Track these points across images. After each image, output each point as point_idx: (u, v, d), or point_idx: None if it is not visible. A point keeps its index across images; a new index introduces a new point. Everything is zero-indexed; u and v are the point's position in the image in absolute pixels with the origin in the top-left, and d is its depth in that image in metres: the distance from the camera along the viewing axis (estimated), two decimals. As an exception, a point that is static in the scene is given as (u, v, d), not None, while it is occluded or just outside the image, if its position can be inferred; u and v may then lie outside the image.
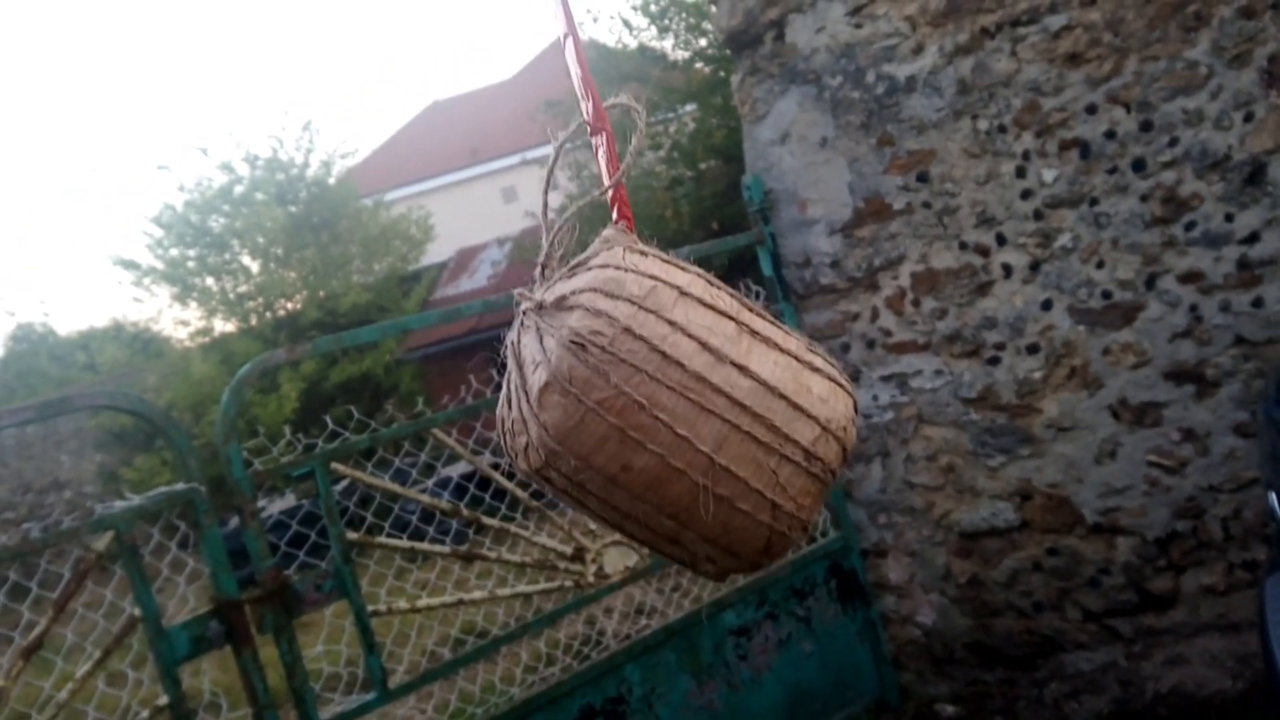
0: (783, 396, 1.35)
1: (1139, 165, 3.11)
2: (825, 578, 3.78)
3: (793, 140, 3.75)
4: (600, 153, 1.53)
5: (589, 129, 1.54)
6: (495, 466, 3.18)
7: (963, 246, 3.45)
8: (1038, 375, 3.39)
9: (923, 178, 3.48)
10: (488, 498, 3.29)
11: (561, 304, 1.37)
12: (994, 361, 3.46)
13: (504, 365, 1.41)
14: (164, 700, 2.40)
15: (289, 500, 9.16)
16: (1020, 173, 3.30)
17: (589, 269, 1.40)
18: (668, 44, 10.50)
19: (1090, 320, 3.27)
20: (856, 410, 1.43)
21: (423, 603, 2.99)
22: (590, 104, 1.52)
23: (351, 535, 2.79)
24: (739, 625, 3.51)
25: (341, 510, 2.79)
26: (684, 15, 10.23)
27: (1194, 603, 3.29)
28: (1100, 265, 3.22)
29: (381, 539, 2.94)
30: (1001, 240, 3.37)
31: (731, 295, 1.43)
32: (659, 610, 4.09)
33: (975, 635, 3.73)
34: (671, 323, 1.35)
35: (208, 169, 19.39)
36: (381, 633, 3.04)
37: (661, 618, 3.65)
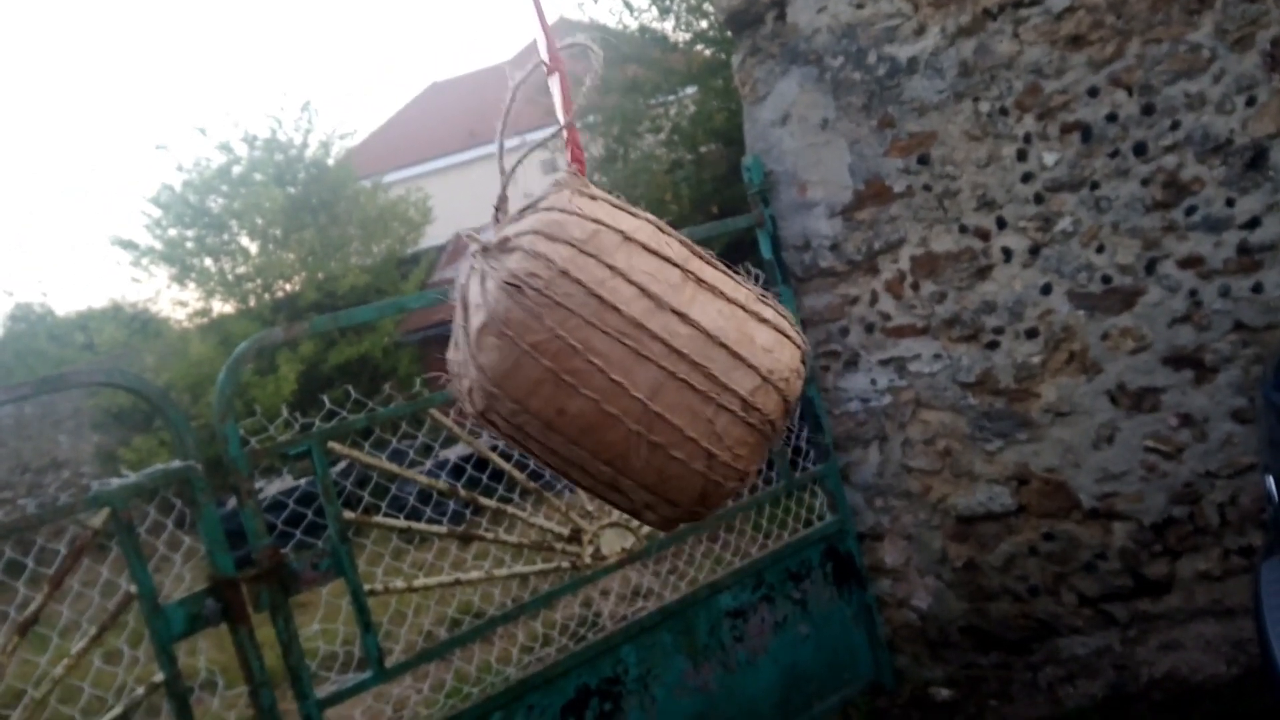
0: (723, 345, 1.33)
1: (1140, 149, 3.09)
2: (821, 561, 3.79)
3: (793, 121, 3.73)
4: (555, 93, 1.52)
5: (545, 69, 1.53)
6: (493, 448, 3.18)
7: (963, 230, 3.44)
8: (1036, 360, 3.38)
9: (923, 160, 3.47)
10: (485, 478, 3.29)
11: (504, 246, 1.36)
12: (993, 346, 3.46)
13: None
14: (160, 677, 2.40)
15: (287, 481, 9.16)
16: (1021, 156, 3.29)
17: (536, 211, 1.39)
18: (669, 25, 10.44)
19: (1090, 305, 3.26)
20: (805, 362, 1.40)
21: (419, 582, 2.99)
22: (545, 44, 1.51)
23: (349, 514, 2.79)
24: (735, 607, 3.51)
25: (339, 490, 2.78)
26: (685, -4, 10.16)
27: (1189, 588, 3.29)
28: (1100, 249, 3.21)
29: (378, 518, 2.94)
30: (1002, 224, 3.36)
31: (682, 242, 1.42)
32: (655, 592, 4.10)
33: (971, 619, 3.74)
34: (611, 267, 1.34)
35: (206, 149, 19.31)
36: (378, 612, 3.04)
37: (658, 600, 3.65)
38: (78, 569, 2.35)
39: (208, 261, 14.45)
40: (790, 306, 3.76)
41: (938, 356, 3.58)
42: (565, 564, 3.19)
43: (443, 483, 3.04)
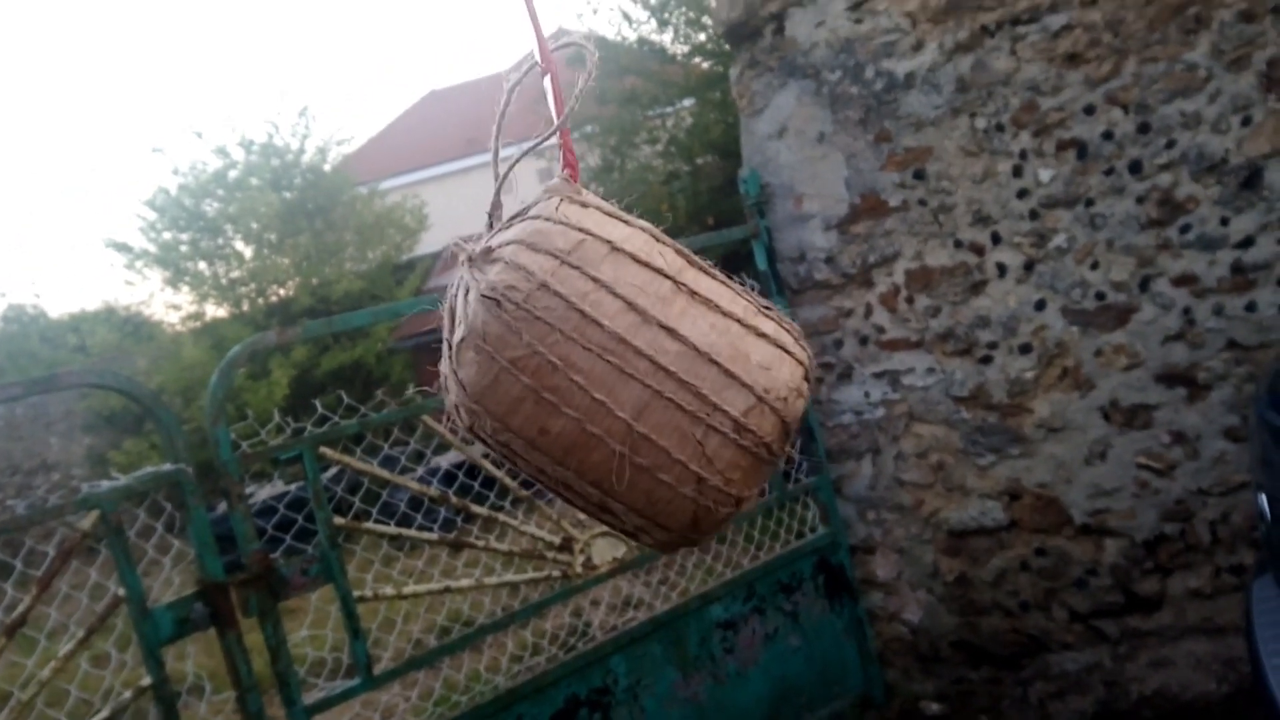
0: (714, 362, 1.26)
1: (1136, 167, 3.11)
2: (813, 573, 3.78)
3: (790, 135, 3.74)
4: (548, 94, 1.48)
5: (540, 69, 1.48)
6: (485, 455, 3.17)
7: (958, 245, 3.45)
8: (1029, 375, 3.39)
9: (919, 175, 3.48)
10: (477, 486, 3.28)
11: (488, 256, 1.32)
12: (986, 360, 3.47)
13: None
14: (147, 681, 2.39)
15: (277, 486, 9.13)
16: (1017, 172, 3.30)
17: (523, 220, 1.35)
18: (667, 38, 10.48)
19: (1083, 321, 3.27)
20: (810, 380, 1.33)
21: (409, 589, 2.98)
22: (538, 43, 1.46)
23: (339, 520, 2.78)
24: (726, 618, 3.51)
25: (329, 496, 2.77)
26: (684, 9, 10.20)
27: (1180, 605, 3.29)
28: (1095, 266, 3.22)
29: (369, 524, 2.93)
30: (996, 239, 3.37)
31: (678, 251, 1.35)
32: (646, 603, 4.09)
33: (961, 633, 3.74)
34: (596, 280, 1.28)
35: (202, 153, 19.33)
36: (368, 619, 3.03)
37: (649, 610, 3.65)
38: (66, 571, 2.33)
39: (201, 265, 14.43)
40: (785, 318, 3.76)
41: (931, 370, 3.59)
42: (556, 573, 3.18)
43: (434, 489, 3.03)
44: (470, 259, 1.33)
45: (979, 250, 3.41)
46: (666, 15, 10.24)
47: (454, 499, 3.05)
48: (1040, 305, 3.33)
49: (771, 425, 1.29)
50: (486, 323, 1.29)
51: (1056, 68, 3.17)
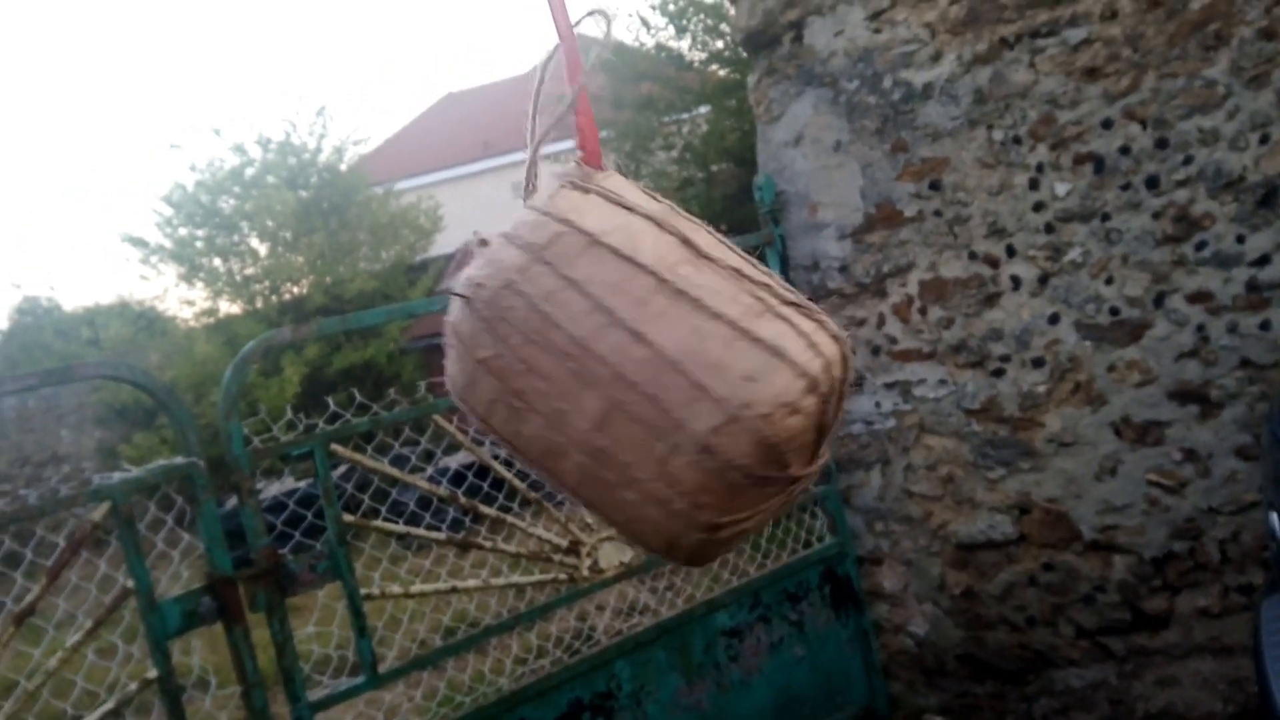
0: (683, 372, 1.12)
1: (1152, 182, 3.10)
2: (819, 583, 3.77)
3: (806, 143, 3.74)
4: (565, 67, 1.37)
5: (560, 34, 1.38)
6: (495, 456, 3.18)
7: (972, 256, 3.44)
8: (1042, 389, 3.38)
9: (935, 186, 3.47)
10: (486, 486, 3.29)
11: (482, 247, 1.25)
12: (998, 373, 3.46)
13: None
14: (153, 674, 2.40)
15: (286, 483, 9.16)
16: (1033, 185, 3.29)
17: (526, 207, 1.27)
18: (685, 44, 10.50)
19: (1097, 336, 3.26)
20: (819, 392, 1.15)
21: (416, 588, 2.98)
22: (555, 12, 1.36)
23: (348, 518, 2.79)
24: (731, 626, 3.50)
25: (339, 493, 2.78)
26: (702, 16, 10.22)
27: (1188, 624, 3.28)
28: (1109, 281, 3.21)
29: (378, 522, 2.94)
30: (1011, 252, 3.37)
31: (684, 241, 1.21)
32: (652, 609, 4.09)
33: (967, 647, 3.72)
34: (566, 278, 1.17)
35: (220, 150, 19.40)
36: (374, 618, 3.04)
37: (654, 616, 3.64)
38: (76, 562, 2.35)
39: (216, 261, 14.48)
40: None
41: (943, 382, 3.58)
42: (563, 576, 3.19)
43: (443, 489, 3.03)
44: (473, 249, 1.27)
45: (993, 263, 3.41)
46: (685, 22, 10.26)
47: (463, 499, 3.05)
48: (1054, 319, 3.32)
49: (745, 447, 1.11)
50: (460, 320, 1.24)
51: (1075, 81, 3.17)
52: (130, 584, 2.39)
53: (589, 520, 3.23)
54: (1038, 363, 3.37)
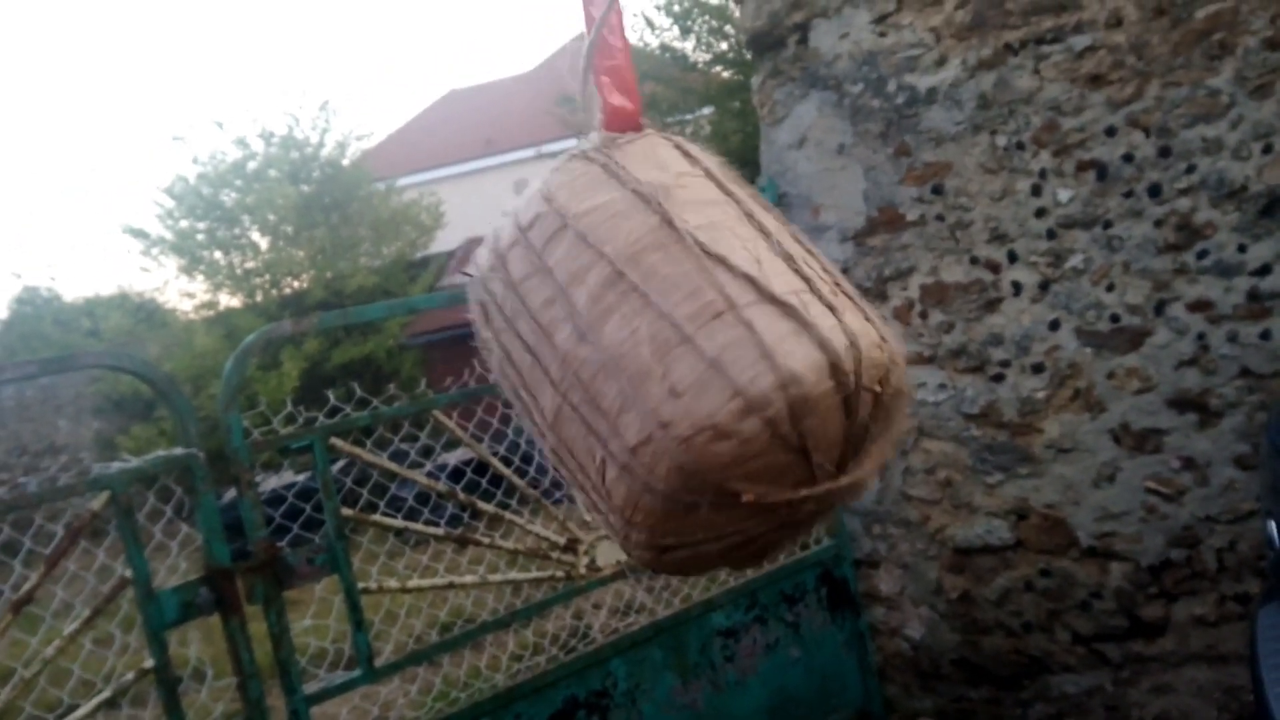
0: (615, 378, 1.02)
1: (1155, 190, 3.10)
2: (816, 585, 3.78)
3: (810, 145, 3.74)
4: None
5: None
6: (494, 453, 3.18)
7: (974, 261, 3.45)
8: (1041, 395, 3.38)
9: (938, 190, 3.48)
10: (484, 483, 3.29)
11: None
12: (998, 378, 3.46)
13: None
14: (150, 664, 2.40)
15: (284, 477, 9.16)
16: (1036, 191, 3.29)
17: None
18: (689, 45, 10.51)
19: (1097, 343, 3.26)
20: (759, 413, 0.98)
21: (413, 583, 2.99)
22: None
23: (347, 512, 2.79)
24: (727, 626, 3.50)
25: (338, 487, 2.78)
26: (707, 18, 10.23)
27: (1184, 632, 3.28)
28: (1110, 288, 3.21)
29: (376, 517, 2.94)
30: (1013, 257, 3.37)
31: (666, 221, 1.08)
32: (648, 608, 4.09)
33: (963, 652, 3.73)
34: (538, 262, 1.11)
35: (222, 143, 19.40)
36: (370, 612, 3.04)
37: (650, 615, 3.65)
38: (74, 551, 2.35)
39: (217, 254, 14.50)
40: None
41: (942, 386, 3.58)
42: (560, 573, 3.19)
43: (442, 485, 3.04)
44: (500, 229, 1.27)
45: (995, 268, 3.41)
46: (689, 23, 10.27)
47: (461, 495, 3.06)
48: (1054, 325, 3.33)
49: (661, 469, 0.99)
50: (473, 300, 1.24)
51: (1079, 88, 3.17)
52: (128, 574, 2.39)
53: (587, 518, 3.23)
54: (1037, 368, 3.38)
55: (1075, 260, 3.26)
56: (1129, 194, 3.14)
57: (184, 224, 14.58)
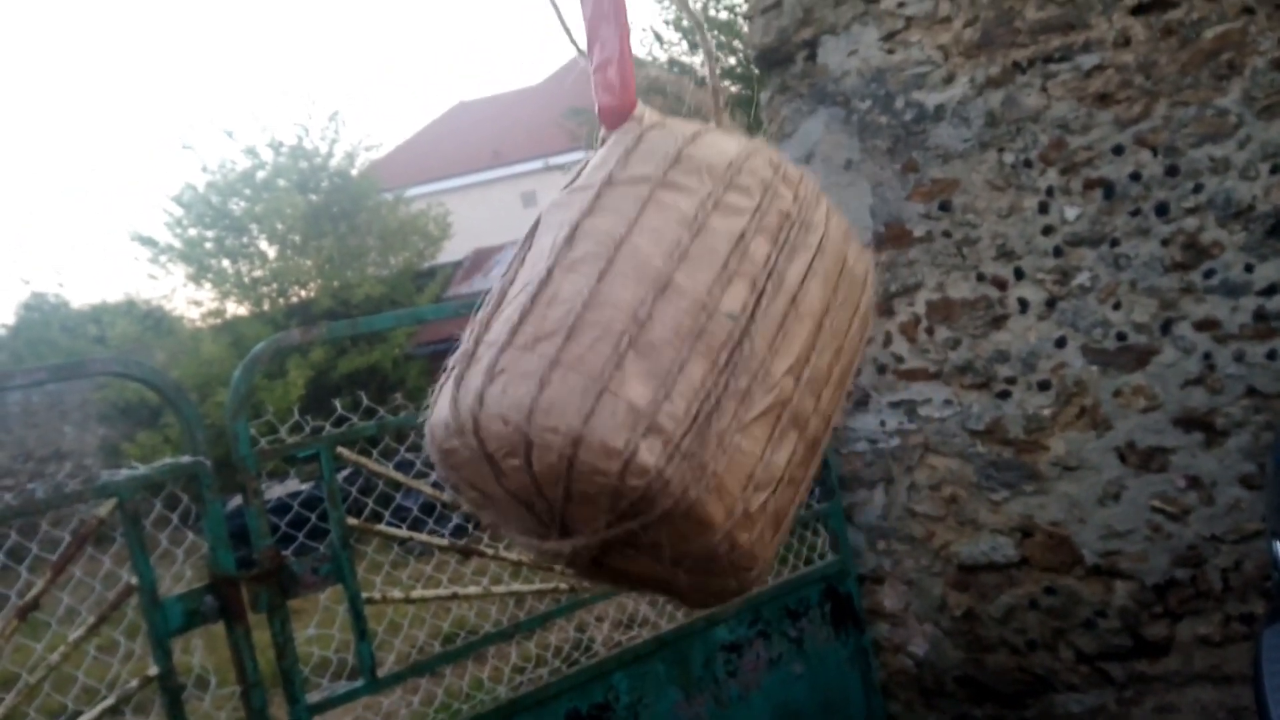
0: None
1: (1162, 209, 3.11)
2: (820, 600, 3.77)
3: (817, 161, 3.76)
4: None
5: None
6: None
7: (980, 278, 3.45)
8: (1047, 412, 3.38)
9: (945, 207, 3.49)
10: (489, 494, 3.28)
11: None
12: (1004, 395, 3.46)
13: None
14: (154, 671, 2.40)
15: (289, 486, 9.16)
16: (1043, 208, 3.30)
17: None
18: (697, 60, 10.53)
19: (1103, 361, 3.26)
20: (550, 445, 1.34)
21: (417, 594, 2.99)
22: None
23: (352, 521, 2.79)
24: (730, 641, 3.50)
25: (343, 496, 2.79)
26: (715, 33, 10.26)
27: (1188, 652, 3.27)
28: (1117, 306, 3.22)
29: (381, 527, 2.94)
30: (1020, 274, 3.38)
31: (568, 243, 1.48)
32: (651, 621, 4.09)
33: (967, 669, 3.72)
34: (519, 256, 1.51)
35: (231, 152, 19.49)
36: (374, 622, 3.04)
37: (653, 629, 3.64)
38: (80, 557, 2.35)
39: (225, 263, 14.55)
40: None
41: (948, 402, 3.58)
42: (563, 585, 3.19)
43: (447, 495, 3.04)
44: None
45: (1001, 285, 3.42)
46: (697, 38, 10.30)
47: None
48: (1061, 343, 3.33)
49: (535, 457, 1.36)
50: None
51: (1087, 107, 3.18)
52: (134, 581, 2.39)
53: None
54: (1043, 386, 3.38)
55: (1082, 278, 3.26)
56: (1136, 212, 3.15)
57: (192, 232, 14.63)
